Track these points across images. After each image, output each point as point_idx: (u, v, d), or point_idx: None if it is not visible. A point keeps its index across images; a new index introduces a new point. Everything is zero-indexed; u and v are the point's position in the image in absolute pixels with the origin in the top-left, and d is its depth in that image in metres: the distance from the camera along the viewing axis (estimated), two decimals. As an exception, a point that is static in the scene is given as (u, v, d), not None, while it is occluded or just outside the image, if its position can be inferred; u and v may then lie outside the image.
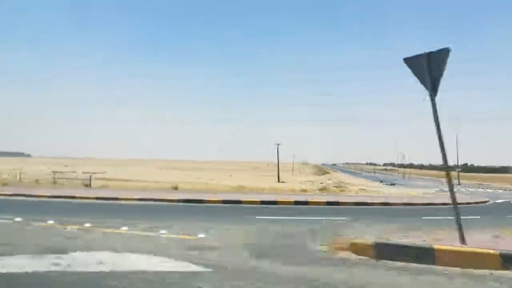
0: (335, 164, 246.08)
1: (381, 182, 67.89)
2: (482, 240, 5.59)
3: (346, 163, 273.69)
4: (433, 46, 5.34)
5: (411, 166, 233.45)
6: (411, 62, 5.80)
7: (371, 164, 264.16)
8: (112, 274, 4.22)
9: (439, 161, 5.92)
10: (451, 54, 5.25)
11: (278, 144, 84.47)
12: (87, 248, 5.83)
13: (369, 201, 17.17)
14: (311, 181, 78.74)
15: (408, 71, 5.75)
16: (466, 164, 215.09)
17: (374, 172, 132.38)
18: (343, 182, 63.36)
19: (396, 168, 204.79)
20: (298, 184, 59.76)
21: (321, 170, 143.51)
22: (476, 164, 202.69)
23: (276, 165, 78.70)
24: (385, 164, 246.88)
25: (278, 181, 76.77)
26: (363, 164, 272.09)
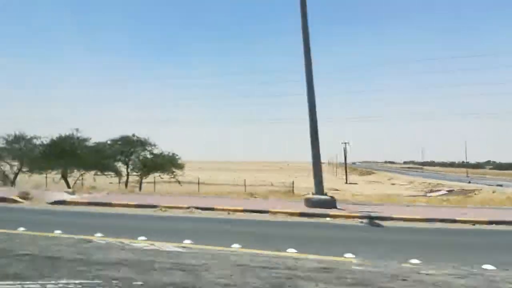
0: (354, 163, 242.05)
1: (469, 182, 63.88)
2: None
3: (364, 161, 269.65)
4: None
5: (432, 163, 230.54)
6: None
7: (389, 162, 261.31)
8: None
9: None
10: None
11: (346, 143, 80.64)
12: None
13: None
14: (372, 181, 74.90)
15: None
16: (489, 160, 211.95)
17: (422, 171, 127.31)
18: (441, 184, 59.13)
19: (420, 166, 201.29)
20: (380, 187, 55.72)
21: (356, 170, 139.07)
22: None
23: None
24: (405, 162, 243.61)
25: (346, 182, 73.23)
26: (381, 162, 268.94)
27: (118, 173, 25.21)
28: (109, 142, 23.89)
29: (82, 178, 25.11)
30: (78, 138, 26.23)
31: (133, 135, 23.61)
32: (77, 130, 26.11)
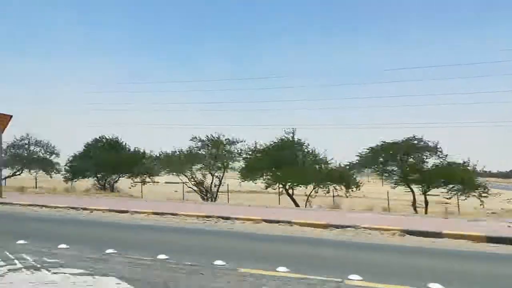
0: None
1: None
2: None
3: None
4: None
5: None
6: None
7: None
8: None
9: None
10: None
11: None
12: None
13: None
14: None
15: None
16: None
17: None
18: None
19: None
20: None
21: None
22: None
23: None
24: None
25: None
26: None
27: (354, 187, 19.45)
28: (378, 146, 18.07)
29: (310, 196, 19.25)
30: (298, 141, 20.55)
31: (413, 137, 17.76)
32: (293, 131, 20.42)
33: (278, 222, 9.93)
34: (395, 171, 18.49)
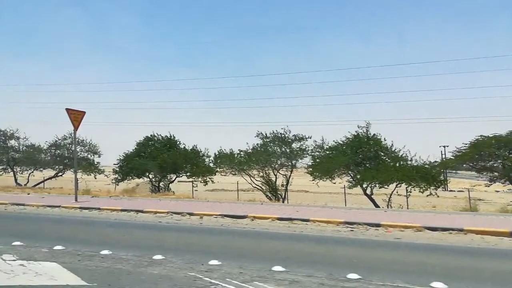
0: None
1: None
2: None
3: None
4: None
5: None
6: None
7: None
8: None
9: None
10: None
11: (444, 146, 74.09)
12: None
13: None
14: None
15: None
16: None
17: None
18: None
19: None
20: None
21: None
22: None
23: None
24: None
25: (445, 189, 66.08)
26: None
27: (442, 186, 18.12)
28: (480, 140, 16.75)
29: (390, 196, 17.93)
30: (373, 137, 19.22)
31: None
32: (367, 124, 19.10)
33: (446, 230, 8.64)
34: (495, 167, 17.20)
